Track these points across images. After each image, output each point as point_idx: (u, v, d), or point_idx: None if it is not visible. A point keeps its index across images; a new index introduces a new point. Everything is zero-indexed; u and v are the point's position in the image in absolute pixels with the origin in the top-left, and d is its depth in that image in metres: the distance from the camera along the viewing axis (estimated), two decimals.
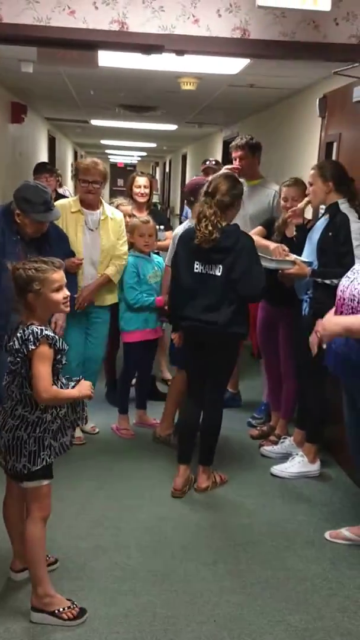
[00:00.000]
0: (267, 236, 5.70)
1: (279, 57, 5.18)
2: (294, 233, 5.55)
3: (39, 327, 3.35)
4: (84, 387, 3.54)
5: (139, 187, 6.87)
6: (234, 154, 6.58)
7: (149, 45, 4.75)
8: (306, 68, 6.44)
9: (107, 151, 27.15)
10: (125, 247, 5.82)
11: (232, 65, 6.78)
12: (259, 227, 5.82)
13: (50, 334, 3.39)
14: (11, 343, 3.38)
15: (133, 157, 30.88)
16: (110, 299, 5.85)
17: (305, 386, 5.31)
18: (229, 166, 6.50)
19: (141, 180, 6.91)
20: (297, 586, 3.87)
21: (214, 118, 12.26)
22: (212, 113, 11.30)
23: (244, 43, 4.78)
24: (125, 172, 34.40)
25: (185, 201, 5.91)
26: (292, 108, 8.51)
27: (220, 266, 4.61)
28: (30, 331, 3.32)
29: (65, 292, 3.52)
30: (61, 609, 3.45)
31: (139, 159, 31.71)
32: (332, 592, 3.83)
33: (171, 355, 5.99)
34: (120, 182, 33.12)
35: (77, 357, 5.66)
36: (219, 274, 4.62)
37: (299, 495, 4.99)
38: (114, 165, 35.87)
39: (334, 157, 6.13)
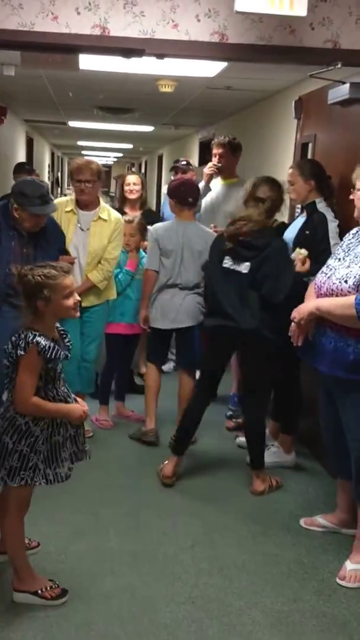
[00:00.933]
0: None
1: (256, 61, 5.19)
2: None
3: (34, 333, 3.31)
4: (75, 408, 3.48)
5: (129, 184, 6.87)
6: (215, 151, 6.68)
7: (129, 49, 4.79)
8: (282, 71, 6.48)
9: (84, 152, 27.08)
10: (117, 252, 5.72)
11: (210, 68, 6.85)
12: None
13: (43, 342, 3.32)
14: (5, 346, 3.38)
15: (109, 158, 30.86)
16: (95, 300, 5.70)
17: (281, 379, 5.42)
18: (210, 164, 6.66)
19: (131, 178, 6.93)
20: (273, 570, 3.99)
21: (191, 120, 12.33)
22: (189, 115, 11.37)
23: (222, 47, 4.81)
24: None
25: (175, 200, 5.74)
26: (268, 110, 8.59)
27: (248, 264, 4.74)
28: (24, 336, 3.30)
29: (76, 297, 3.49)
30: (43, 589, 3.54)
31: (115, 159, 31.71)
32: (307, 576, 3.95)
33: (148, 351, 6.07)
34: None
35: (74, 358, 5.42)
36: (245, 271, 4.75)
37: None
38: None
39: (309, 156, 6.26)
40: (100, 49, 4.91)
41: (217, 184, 6.82)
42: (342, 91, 5.25)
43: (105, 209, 5.71)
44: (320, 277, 4.03)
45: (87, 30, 4.70)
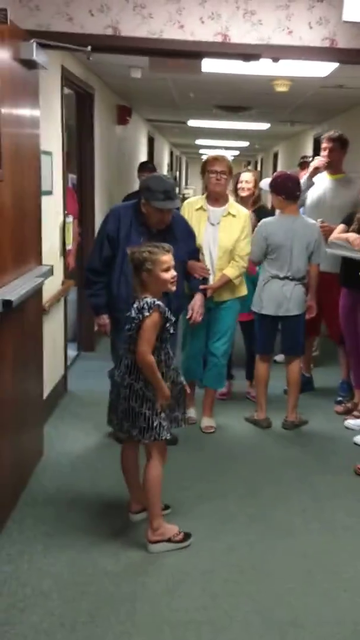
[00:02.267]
0: (347, 230, 5.89)
1: None
2: None
3: (152, 299, 3.81)
4: (166, 390, 3.86)
5: (241, 182, 6.67)
6: (324, 145, 6.67)
7: (248, 54, 5.09)
8: None
9: (201, 151, 27.40)
10: (249, 248, 5.72)
11: (322, 69, 7.03)
12: (341, 225, 5.95)
13: (163, 305, 3.85)
14: (128, 313, 3.85)
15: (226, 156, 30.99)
16: (228, 295, 5.74)
17: None
18: (319, 158, 6.65)
19: (244, 176, 6.72)
20: None
21: (306, 117, 12.45)
22: (304, 112, 11.52)
23: (332, 51, 5.06)
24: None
25: (284, 196, 5.84)
26: None
27: None
28: (145, 302, 3.79)
29: (173, 273, 3.95)
30: (174, 536, 3.98)
31: (232, 158, 31.62)
32: None
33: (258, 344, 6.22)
34: None
35: (196, 345, 5.79)
36: None
37: None
38: None
39: None
40: (222, 54, 5.23)
41: (324, 179, 6.73)
42: None
43: (234, 205, 5.78)
44: None
45: (210, 37, 5.00)
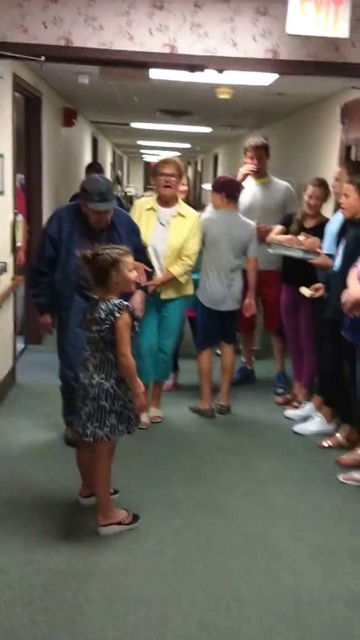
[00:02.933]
0: (285, 231, 6.21)
1: (304, 74, 5.67)
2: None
3: (119, 300, 3.95)
4: (143, 397, 4.09)
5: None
6: (251, 154, 6.86)
7: (194, 65, 5.31)
8: (329, 80, 6.70)
9: (143, 151, 27.50)
10: (196, 248, 5.81)
11: (265, 78, 7.15)
12: (280, 227, 6.30)
13: (129, 305, 4.02)
14: (97, 314, 3.94)
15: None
16: (173, 293, 5.81)
17: (325, 358, 5.83)
18: (249, 166, 6.84)
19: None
20: (314, 514, 4.51)
21: (246, 121, 12.57)
22: (245, 117, 11.67)
23: (275, 63, 5.29)
24: None
25: (225, 194, 6.07)
26: (316, 114, 8.92)
27: None
28: (114, 303, 3.91)
29: (135, 273, 4.17)
30: (123, 519, 4.14)
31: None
32: (342, 520, 4.45)
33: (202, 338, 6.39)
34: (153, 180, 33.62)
35: (148, 343, 5.79)
36: None
37: (316, 447, 5.59)
38: (147, 164, 36.23)
39: (353, 159, 6.70)
40: (169, 65, 5.45)
41: (251, 184, 6.91)
42: None
43: (184, 207, 5.86)
44: None
45: (158, 48, 5.20)
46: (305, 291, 5.68)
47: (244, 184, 6.69)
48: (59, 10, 5.11)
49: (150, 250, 5.65)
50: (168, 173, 5.66)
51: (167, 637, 3.25)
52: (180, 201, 5.89)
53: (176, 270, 5.70)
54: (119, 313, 3.89)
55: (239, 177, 6.78)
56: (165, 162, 5.75)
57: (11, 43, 5.05)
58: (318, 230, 5.98)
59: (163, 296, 5.77)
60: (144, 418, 5.66)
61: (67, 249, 5.00)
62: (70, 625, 3.30)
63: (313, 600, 3.59)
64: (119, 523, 4.13)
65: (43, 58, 5.21)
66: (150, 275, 5.53)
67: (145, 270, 5.35)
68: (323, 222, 6.06)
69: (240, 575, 3.78)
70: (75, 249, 4.75)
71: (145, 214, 5.75)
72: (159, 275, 5.68)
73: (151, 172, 5.93)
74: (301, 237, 5.93)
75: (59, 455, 5.07)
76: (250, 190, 6.85)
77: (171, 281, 5.74)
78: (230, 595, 3.59)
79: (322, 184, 6.08)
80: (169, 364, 6.15)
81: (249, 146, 6.94)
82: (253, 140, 7.01)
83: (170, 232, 5.71)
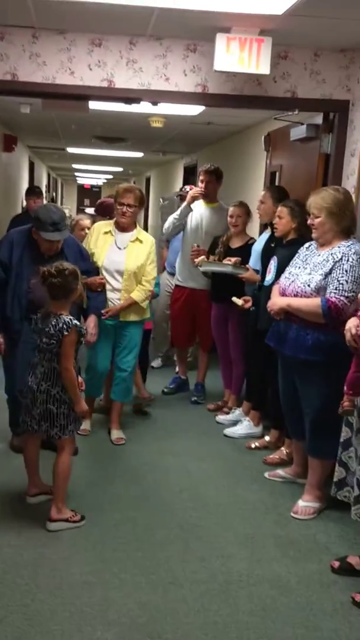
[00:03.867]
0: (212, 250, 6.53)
1: (231, 107, 6.00)
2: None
3: (68, 317, 4.18)
4: (84, 405, 4.33)
5: (82, 229, 6.73)
6: (202, 177, 6.93)
7: (130, 97, 5.59)
8: (253, 111, 7.06)
9: (76, 174, 27.67)
10: (155, 273, 5.81)
11: (194, 109, 7.48)
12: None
13: (77, 323, 4.24)
14: (47, 328, 4.16)
15: (100, 179, 31.23)
16: (135, 317, 5.78)
17: (252, 367, 6.20)
18: (196, 189, 6.92)
19: (85, 222, 6.84)
20: (243, 507, 4.79)
21: (177, 147, 12.92)
22: (175, 143, 12.00)
23: (204, 96, 5.59)
24: (91, 193, 34.87)
25: (106, 215, 6.67)
26: (243, 142, 9.26)
27: None
28: (64, 321, 4.14)
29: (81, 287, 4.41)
30: (71, 517, 4.36)
31: (105, 181, 31.85)
32: (269, 512, 4.74)
33: None
34: (86, 201, 33.60)
35: (102, 363, 5.83)
36: None
37: (244, 449, 5.88)
38: (80, 187, 36.33)
39: (277, 183, 7.03)
40: (107, 97, 5.69)
41: (200, 207, 7.00)
42: (300, 131, 6.06)
43: (142, 232, 5.81)
44: (284, 281, 4.73)
45: (97, 82, 5.47)
46: (237, 300, 5.91)
47: (195, 205, 6.88)
48: (5, 48, 5.35)
49: (104, 272, 5.62)
50: (127, 204, 5.58)
51: (110, 617, 3.47)
52: (138, 227, 5.84)
53: (137, 295, 5.66)
54: (67, 331, 4.12)
55: (187, 199, 6.88)
56: (127, 190, 5.64)
57: None
58: (244, 250, 6.28)
59: (123, 318, 5.73)
60: (86, 425, 5.83)
61: (17, 274, 4.98)
62: (23, 608, 3.50)
63: (241, 582, 3.86)
64: (67, 520, 4.34)
65: None
66: (103, 293, 5.57)
67: (99, 281, 5.49)
68: (248, 242, 6.38)
69: (176, 562, 4.03)
70: (25, 273, 4.95)
71: (103, 237, 5.70)
72: (110, 295, 5.65)
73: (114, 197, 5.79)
74: (226, 261, 6.17)
75: (5, 462, 5.28)
76: (198, 213, 7.00)
77: (131, 306, 5.72)
78: (167, 579, 3.84)
79: (241, 204, 6.40)
80: (129, 383, 6.03)
81: (200, 170, 7.08)
82: (205, 165, 7.10)
83: (127, 256, 5.65)
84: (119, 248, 5.65)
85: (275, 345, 4.81)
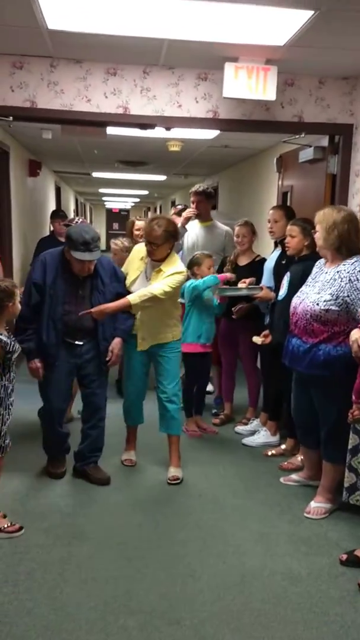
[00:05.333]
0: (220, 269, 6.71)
1: (241, 131, 6.26)
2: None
3: None
4: None
5: (138, 229, 7.11)
6: (192, 199, 7.20)
7: (145, 124, 5.86)
8: (265, 135, 7.21)
9: (104, 198, 27.97)
10: (161, 290, 5.15)
11: (208, 133, 7.76)
12: None
13: (4, 338, 4.25)
14: None
15: (127, 203, 31.41)
16: (170, 337, 5.48)
17: (268, 380, 6.47)
18: (189, 210, 7.13)
19: (139, 223, 7.16)
20: (259, 508, 5.04)
21: (197, 170, 13.24)
22: (195, 166, 12.32)
23: (215, 122, 5.87)
24: (119, 217, 35.22)
25: None
26: (257, 164, 9.55)
27: None
28: None
29: (18, 306, 4.43)
30: (5, 526, 4.55)
31: (133, 204, 32.22)
32: (283, 512, 4.98)
33: None
34: (115, 225, 33.95)
35: (135, 388, 5.65)
36: None
37: (262, 456, 6.12)
38: (109, 211, 36.66)
39: (288, 203, 7.30)
40: (123, 124, 5.97)
41: (196, 226, 7.27)
42: (308, 153, 6.34)
43: (170, 262, 5.32)
44: (296, 300, 4.90)
45: (113, 109, 5.75)
46: (257, 339, 6.03)
47: (188, 226, 7.14)
48: (24, 76, 5.63)
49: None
50: (150, 241, 5.24)
51: (132, 607, 3.75)
52: (170, 257, 5.37)
53: (133, 299, 5.16)
54: None
55: (181, 220, 7.01)
56: (147, 232, 5.27)
57: None
58: (251, 267, 6.51)
59: (157, 341, 5.48)
60: (130, 455, 5.81)
61: (50, 296, 4.94)
62: (50, 600, 3.78)
63: (255, 575, 4.12)
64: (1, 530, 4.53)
65: (11, 118, 5.76)
66: (130, 317, 5.33)
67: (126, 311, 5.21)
68: (255, 259, 6.61)
69: (194, 558, 4.29)
70: (60, 295, 4.94)
71: (138, 262, 5.45)
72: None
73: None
74: (241, 284, 6.33)
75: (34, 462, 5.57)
76: (194, 232, 7.27)
77: (160, 327, 5.44)
78: (186, 573, 4.11)
79: (245, 223, 6.61)
80: (174, 413, 5.58)
81: (190, 192, 7.33)
82: (195, 186, 7.34)
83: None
84: (147, 278, 5.37)
85: (290, 364, 4.95)
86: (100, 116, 5.81)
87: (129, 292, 5.24)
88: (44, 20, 4.70)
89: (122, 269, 5.51)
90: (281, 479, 5.55)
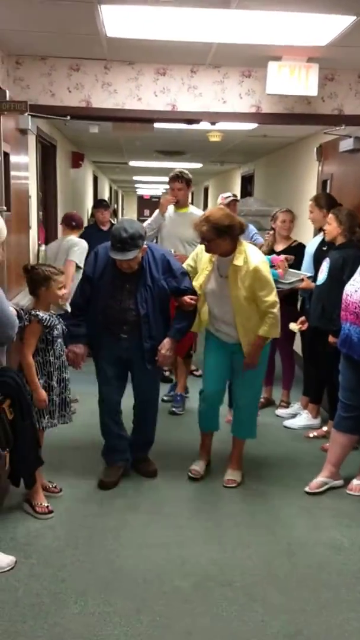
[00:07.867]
0: None
1: (283, 124, 6.57)
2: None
3: (35, 310, 4.53)
4: (42, 393, 4.52)
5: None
6: (172, 185, 7.08)
7: (191, 119, 6.18)
8: (305, 126, 7.42)
9: (136, 185, 28.22)
10: (271, 298, 4.89)
11: (249, 125, 7.98)
12: None
13: (41, 314, 4.49)
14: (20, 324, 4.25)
15: (158, 190, 31.69)
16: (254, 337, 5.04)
17: (309, 364, 6.73)
18: (168, 196, 7.14)
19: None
20: (302, 485, 5.30)
21: (234, 158, 13.49)
22: (232, 154, 12.56)
23: (258, 116, 6.15)
24: (150, 203, 35.43)
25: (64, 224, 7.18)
26: (296, 152, 9.77)
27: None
28: (29, 312, 4.50)
29: (64, 290, 4.75)
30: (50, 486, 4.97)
31: (164, 191, 32.18)
32: (326, 490, 5.29)
33: None
34: (146, 212, 34.13)
35: (211, 387, 5.34)
36: None
37: (303, 438, 6.43)
38: (140, 197, 36.90)
39: (328, 190, 7.56)
40: (171, 120, 6.31)
41: (172, 213, 7.17)
42: (349, 143, 6.57)
43: (241, 255, 4.89)
44: (349, 288, 4.98)
45: (162, 107, 6.06)
46: (294, 327, 6.26)
47: (167, 212, 7.17)
48: (80, 78, 5.97)
49: (214, 308, 5.15)
50: (203, 237, 4.93)
51: (186, 570, 4.10)
52: (240, 246, 4.94)
53: (265, 331, 4.97)
54: (29, 321, 4.46)
55: (161, 208, 7.13)
56: (196, 229, 4.93)
57: (42, 105, 5.90)
58: (288, 252, 6.65)
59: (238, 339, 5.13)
60: (197, 466, 5.50)
61: (97, 289, 4.96)
62: (109, 563, 4.15)
63: (301, 544, 4.46)
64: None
65: (68, 117, 6.09)
66: (188, 317, 5.10)
67: (188, 301, 5.00)
68: (291, 245, 6.80)
69: (243, 529, 4.64)
70: (103, 290, 4.93)
71: (206, 258, 5.13)
72: (224, 329, 5.15)
73: None
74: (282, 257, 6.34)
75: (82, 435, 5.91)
76: (169, 218, 7.17)
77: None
78: (235, 542, 4.45)
79: (288, 211, 6.85)
80: (252, 417, 5.48)
81: (169, 177, 7.16)
82: (174, 171, 7.14)
83: (230, 285, 4.94)
84: (221, 276, 5.01)
85: (348, 352, 5.03)
86: (150, 113, 6.11)
87: (191, 290, 5.02)
88: (104, 29, 5.00)
89: (185, 265, 5.26)
90: (306, 489, 5.30)
